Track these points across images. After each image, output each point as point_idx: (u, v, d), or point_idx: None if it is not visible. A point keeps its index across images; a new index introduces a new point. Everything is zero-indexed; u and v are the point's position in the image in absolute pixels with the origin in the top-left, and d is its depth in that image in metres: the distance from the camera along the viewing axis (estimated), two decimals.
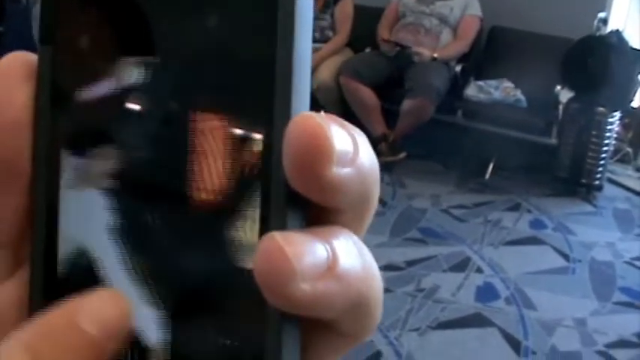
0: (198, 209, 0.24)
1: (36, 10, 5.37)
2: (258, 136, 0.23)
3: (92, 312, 0.23)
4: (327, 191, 0.22)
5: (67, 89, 0.26)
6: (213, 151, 0.24)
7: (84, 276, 0.25)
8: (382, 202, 4.30)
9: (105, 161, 0.25)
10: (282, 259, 0.21)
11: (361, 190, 0.24)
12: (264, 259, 0.21)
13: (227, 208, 0.23)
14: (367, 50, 5.20)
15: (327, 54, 5.12)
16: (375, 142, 4.83)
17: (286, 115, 0.23)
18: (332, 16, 5.23)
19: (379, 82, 4.86)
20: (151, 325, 0.25)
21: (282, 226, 0.23)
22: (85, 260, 0.26)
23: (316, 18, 5.21)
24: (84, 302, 0.23)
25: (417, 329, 2.97)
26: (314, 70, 5.08)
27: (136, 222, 0.25)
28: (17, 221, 0.26)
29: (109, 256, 0.25)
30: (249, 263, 0.22)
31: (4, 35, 6.20)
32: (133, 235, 0.25)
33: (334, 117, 0.23)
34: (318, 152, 0.22)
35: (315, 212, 0.24)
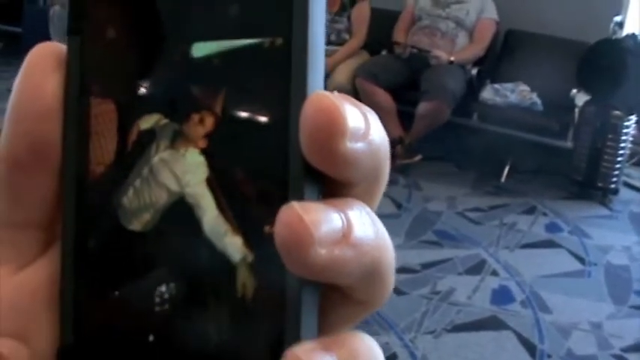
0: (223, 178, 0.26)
1: (53, 11, 5.43)
2: (277, 114, 0.25)
3: None
4: (340, 165, 0.24)
5: (95, 78, 0.27)
6: (234, 128, 0.25)
7: (113, 252, 0.27)
8: (398, 204, 4.31)
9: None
10: (301, 226, 0.22)
11: (372, 164, 0.25)
12: (284, 227, 0.23)
13: (250, 183, 0.25)
14: (383, 53, 5.21)
15: (343, 57, 5.13)
16: (391, 145, 4.82)
17: (302, 94, 0.24)
18: (348, 18, 5.24)
19: (395, 84, 4.86)
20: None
21: (300, 198, 0.24)
22: (114, 237, 0.27)
23: (333, 20, 5.23)
24: None
25: (432, 332, 2.97)
26: (330, 73, 5.09)
27: (163, 157, 0.27)
28: (48, 203, 0.28)
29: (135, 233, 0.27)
30: (269, 232, 0.24)
31: (22, 36, 6.25)
32: (160, 211, 0.27)
33: (347, 96, 0.24)
34: (332, 128, 0.23)
35: (330, 186, 0.25)
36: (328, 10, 5.19)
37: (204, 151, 0.26)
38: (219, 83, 0.26)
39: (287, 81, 0.24)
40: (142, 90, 0.27)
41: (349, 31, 5.24)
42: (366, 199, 0.26)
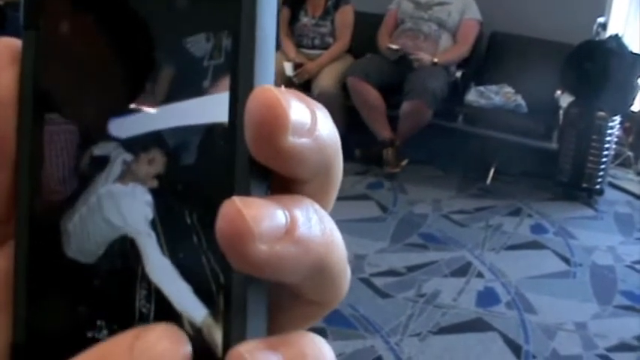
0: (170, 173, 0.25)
1: None
2: (224, 108, 0.24)
3: (149, 349, 0.23)
4: (284, 160, 0.24)
5: (48, 72, 0.27)
6: (184, 160, 0.25)
7: (54, 274, 0.27)
8: (383, 207, 4.31)
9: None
10: (241, 220, 0.22)
11: (321, 161, 0.25)
12: (224, 221, 0.22)
13: (196, 177, 0.25)
14: (368, 55, 5.21)
15: (327, 60, 5.13)
16: (381, 146, 4.85)
17: (249, 89, 0.24)
18: (332, 22, 5.24)
19: (385, 84, 4.86)
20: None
21: (246, 194, 0.24)
22: (57, 260, 0.27)
23: (317, 25, 5.23)
24: (142, 337, 0.23)
25: (417, 334, 2.97)
26: (315, 77, 5.09)
27: (111, 190, 0.26)
28: (3, 199, 0.27)
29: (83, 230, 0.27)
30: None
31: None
32: (102, 244, 0.26)
33: (295, 92, 0.24)
34: (274, 122, 0.23)
35: (280, 182, 0.25)
36: (313, 15, 5.21)
37: (152, 191, 0.25)
38: (168, 74, 0.25)
39: (234, 74, 0.24)
40: (100, 107, 0.26)
41: (333, 35, 5.24)
42: (318, 197, 0.25)
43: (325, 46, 5.22)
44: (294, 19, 5.22)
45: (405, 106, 4.75)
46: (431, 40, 4.98)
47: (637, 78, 4.58)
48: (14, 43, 0.27)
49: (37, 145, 0.27)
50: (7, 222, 0.28)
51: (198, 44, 0.25)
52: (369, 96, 4.83)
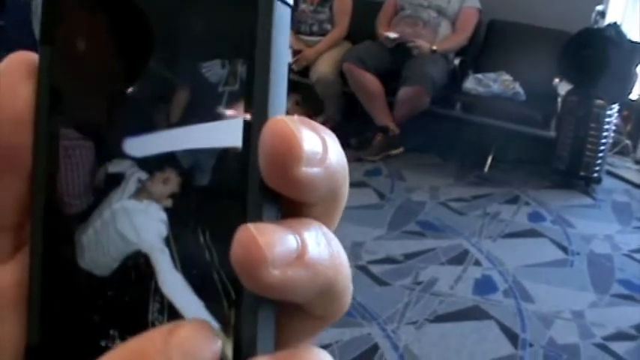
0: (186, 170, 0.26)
1: (35, 5, 5.35)
2: (237, 134, 0.25)
3: (183, 344, 0.24)
4: (297, 189, 0.25)
5: (64, 87, 0.27)
6: (194, 156, 0.26)
7: (68, 285, 0.28)
8: (381, 194, 4.31)
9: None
10: (255, 247, 0.23)
11: (330, 187, 0.26)
12: (239, 247, 0.24)
13: (209, 198, 0.26)
14: (366, 42, 5.19)
15: (325, 47, 5.12)
16: (380, 132, 4.85)
17: (263, 117, 0.25)
18: (331, 9, 5.22)
19: (382, 70, 4.86)
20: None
21: (259, 218, 0.25)
22: (70, 272, 0.28)
23: (315, 11, 5.21)
24: (175, 333, 0.24)
25: (414, 322, 2.97)
26: (313, 63, 5.08)
27: (126, 206, 0.27)
28: (18, 207, 0.28)
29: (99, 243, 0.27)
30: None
31: (4, 29, 6.19)
32: (116, 259, 0.27)
33: (306, 120, 0.25)
34: (288, 154, 0.24)
35: (289, 205, 0.26)
36: (311, 2, 5.19)
37: (167, 209, 0.26)
38: (185, 99, 0.26)
39: (249, 103, 0.25)
40: (116, 125, 0.27)
41: (331, 21, 5.22)
42: (324, 218, 0.27)
43: (323, 33, 5.21)
44: None
45: (403, 92, 4.74)
46: (430, 28, 4.97)
47: (635, 66, 4.57)
48: (31, 57, 0.28)
49: (52, 158, 0.28)
50: (23, 228, 0.29)
51: (214, 70, 0.26)
52: (367, 82, 4.83)
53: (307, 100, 5.15)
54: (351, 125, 4.86)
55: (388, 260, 3.45)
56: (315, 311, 0.27)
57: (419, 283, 3.28)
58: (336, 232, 0.27)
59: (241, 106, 0.25)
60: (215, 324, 0.25)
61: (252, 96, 0.25)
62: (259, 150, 0.24)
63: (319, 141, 0.25)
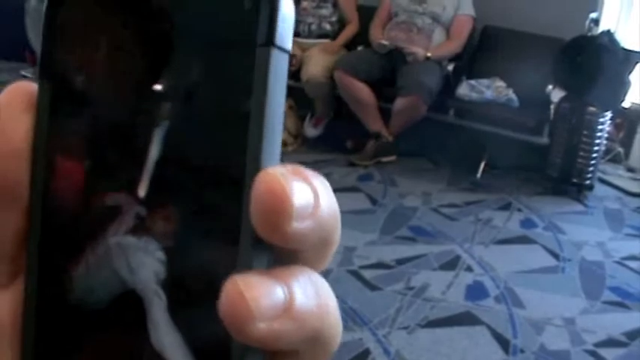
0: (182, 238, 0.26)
1: (28, 5, 5.31)
2: (231, 186, 0.25)
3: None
4: (288, 242, 0.25)
5: (63, 121, 0.27)
6: (192, 196, 0.26)
7: (60, 320, 0.28)
8: (373, 200, 4.31)
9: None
10: (242, 302, 0.24)
11: (321, 236, 0.26)
12: (227, 302, 0.24)
13: (204, 241, 0.26)
14: (360, 48, 5.20)
15: (342, 42, 5.20)
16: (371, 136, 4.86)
17: (255, 170, 0.25)
18: (333, 5, 5.23)
19: (374, 78, 4.85)
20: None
21: (248, 267, 0.25)
22: (63, 307, 0.28)
23: (317, 7, 5.21)
24: None
25: (406, 327, 2.97)
26: (304, 63, 5.06)
27: (121, 242, 0.27)
28: (15, 238, 0.28)
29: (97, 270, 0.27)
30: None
31: None
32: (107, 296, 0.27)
33: (298, 169, 0.26)
34: (279, 211, 0.24)
35: (281, 249, 0.26)
36: None
37: (165, 249, 0.26)
38: (181, 146, 0.26)
39: (242, 155, 0.25)
40: (112, 158, 0.27)
41: (331, 20, 5.24)
42: (314, 262, 0.27)
43: (321, 34, 5.21)
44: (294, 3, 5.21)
45: (399, 102, 4.74)
46: (424, 34, 4.97)
47: (628, 74, 4.58)
48: (30, 88, 0.28)
49: (48, 191, 0.27)
50: (19, 259, 0.28)
51: (212, 120, 0.26)
52: (358, 92, 4.82)
53: (300, 100, 5.11)
54: (343, 126, 4.85)
55: (380, 265, 3.45)
56: (303, 357, 0.27)
57: (411, 289, 3.28)
58: None
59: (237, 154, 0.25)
60: None
61: (246, 148, 0.25)
62: (251, 204, 0.25)
63: (310, 194, 0.25)
